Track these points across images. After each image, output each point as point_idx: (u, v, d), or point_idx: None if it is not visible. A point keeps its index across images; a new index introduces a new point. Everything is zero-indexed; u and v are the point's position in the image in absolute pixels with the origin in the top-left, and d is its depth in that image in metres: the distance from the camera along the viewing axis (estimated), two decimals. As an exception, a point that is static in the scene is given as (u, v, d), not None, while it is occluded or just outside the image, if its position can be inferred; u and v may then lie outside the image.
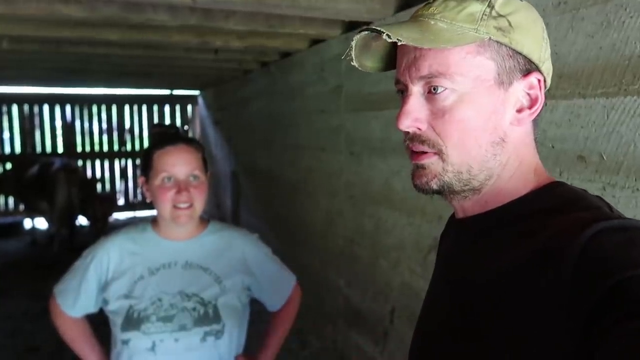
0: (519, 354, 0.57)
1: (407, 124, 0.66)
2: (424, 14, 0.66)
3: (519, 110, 0.66)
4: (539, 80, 0.66)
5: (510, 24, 0.63)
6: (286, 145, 3.98)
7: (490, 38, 0.63)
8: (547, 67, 0.68)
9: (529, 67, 0.65)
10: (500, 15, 0.63)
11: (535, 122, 0.70)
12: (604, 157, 1.30)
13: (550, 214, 0.62)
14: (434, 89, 0.65)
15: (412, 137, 0.68)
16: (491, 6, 0.63)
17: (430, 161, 0.67)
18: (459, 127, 0.65)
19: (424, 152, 0.67)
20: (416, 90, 0.66)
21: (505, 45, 0.63)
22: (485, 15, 0.63)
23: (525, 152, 0.69)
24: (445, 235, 0.87)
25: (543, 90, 0.66)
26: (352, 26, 2.71)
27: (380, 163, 2.52)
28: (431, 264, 2.27)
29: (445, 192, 0.69)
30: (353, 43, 0.68)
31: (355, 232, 2.84)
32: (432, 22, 0.64)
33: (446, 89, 0.64)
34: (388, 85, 2.41)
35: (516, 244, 0.62)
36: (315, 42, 3.20)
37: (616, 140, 1.27)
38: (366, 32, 0.65)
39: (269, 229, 4.48)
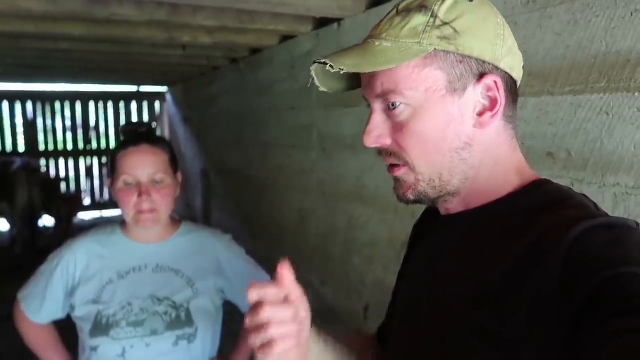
0: (507, 352, 0.57)
1: (370, 141, 0.69)
2: (373, 34, 0.68)
3: (481, 114, 0.66)
4: (495, 82, 0.65)
5: (455, 30, 0.63)
6: (257, 142, 3.95)
7: (435, 49, 0.63)
8: (508, 62, 0.66)
9: (483, 70, 0.65)
10: (444, 24, 0.63)
11: (509, 119, 0.69)
12: (572, 154, 1.33)
13: (536, 212, 0.62)
14: (392, 105, 0.66)
15: (380, 152, 0.71)
16: (434, 16, 0.63)
17: (403, 172, 0.69)
18: (417, 139, 0.66)
19: (396, 165, 0.69)
20: (377, 107, 0.69)
21: (453, 53, 0.63)
22: (429, 26, 0.63)
23: (500, 152, 0.69)
24: (424, 229, 0.86)
25: (502, 90, 0.66)
26: (323, 22, 2.69)
27: (353, 160, 2.51)
28: (404, 261, 2.26)
29: (423, 200, 0.70)
30: (312, 73, 0.70)
31: (328, 229, 2.84)
32: (377, 43, 0.65)
33: (401, 103, 0.65)
34: (359, 82, 2.41)
35: (502, 243, 0.62)
36: (286, 38, 3.18)
37: (583, 137, 1.30)
38: (316, 64, 0.67)
39: (241, 227, 4.44)
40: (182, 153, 6.82)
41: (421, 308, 0.75)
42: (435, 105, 0.65)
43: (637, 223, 0.58)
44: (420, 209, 0.90)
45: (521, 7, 1.46)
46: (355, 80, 0.74)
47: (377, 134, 0.68)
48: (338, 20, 2.53)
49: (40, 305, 1.35)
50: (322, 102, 2.80)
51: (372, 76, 0.67)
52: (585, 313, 0.50)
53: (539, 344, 0.54)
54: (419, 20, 0.64)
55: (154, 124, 1.43)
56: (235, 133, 4.51)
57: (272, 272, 1.59)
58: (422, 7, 0.64)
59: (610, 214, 0.62)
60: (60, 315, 1.37)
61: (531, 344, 0.54)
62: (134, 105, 8.18)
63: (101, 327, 1.26)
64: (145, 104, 8.25)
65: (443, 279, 0.71)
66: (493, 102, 0.66)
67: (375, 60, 0.63)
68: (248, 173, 4.22)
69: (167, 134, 7.93)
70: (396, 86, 0.65)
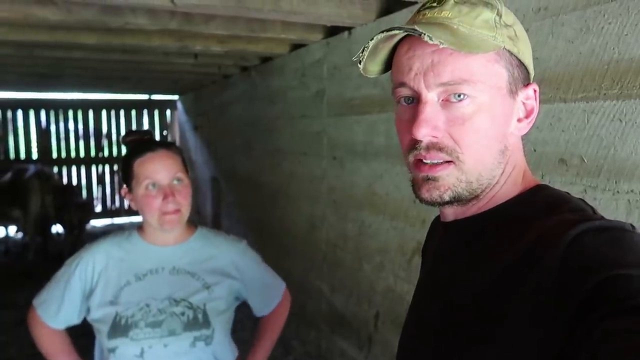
0: (507, 353, 0.57)
1: (425, 132, 0.63)
2: (437, 17, 0.63)
3: (519, 120, 0.68)
4: (534, 91, 0.68)
5: (516, 35, 0.65)
6: (267, 150, 3.97)
7: (504, 47, 0.63)
8: (533, 75, 0.70)
9: (527, 78, 0.68)
10: (507, 25, 0.64)
11: None
12: (585, 160, 1.32)
13: (535, 216, 0.63)
14: (456, 96, 0.63)
15: (427, 146, 0.64)
16: (499, 15, 0.64)
17: (446, 173, 0.65)
18: (477, 135, 0.64)
19: (439, 164, 0.65)
20: (431, 97, 0.64)
21: (515, 55, 0.65)
22: (497, 23, 0.63)
23: (517, 157, 0.70)
24: (432, 236, 0.87)
25: (538, 100, 0.68)
26: (333, 31, 2.71)
27: (363, 167, 2.52)
28: (415, 268, 2.28)
29: (454, 202, 0.67)
30: (371, 43, 0.65)
31: (338, 236, 2.84)
32: (455, 27, 0.62)
33: (468, 96, 0.62)
34: (369, 90, 2.42)
35: (503, 247, 0.63)
36: (296, 46, 3.20)
37: (596, 143, 1.29)
38: (397, 31, 0.62)
39: (251, 234, 4.45)
40: (192, 160, 6.86)
41: (426, 314, 0.75)
42: (499, 103, 0.65)
43: (632, 226, 0.58)
44: (431, 216, 0.91)
45: (532, 14, 1.46)
46: (386, 66, 0.71)
47: (433, 124, 0.63)
48: (348, 29, 2.54)
49: (57, 310, 1.36)
50: (333, 110, 2.81)
51: (438, 62, 0.62)
52: (581, 315, 0.50)
53: (537, 345, 0.54)
54: (487, 14, 0.63)
55: (165, 132, 1.45)
56: (246, 141, 4.53)
57: (284, 280, 1.61)
58: (486, 3, 0.64)
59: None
60: (75, 320, 1.38)
61: (530, 345, 0.55)
62: (145, 114, 8.26)
63: (120, 328, 1.28)
64: (156, 112, 8.32)
65: (447, 284, 0.71)
66: (529, 111, 0.68)
67: (467, 42, 0.60)
68: (259, 180, 4.23)
69: (177, 142, 7.99)
70: (470, 76, 0.62)
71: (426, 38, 0.58)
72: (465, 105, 0.63)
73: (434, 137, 0.64)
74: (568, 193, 0.68)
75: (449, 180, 0.65)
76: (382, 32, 0.63)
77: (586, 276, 0.51)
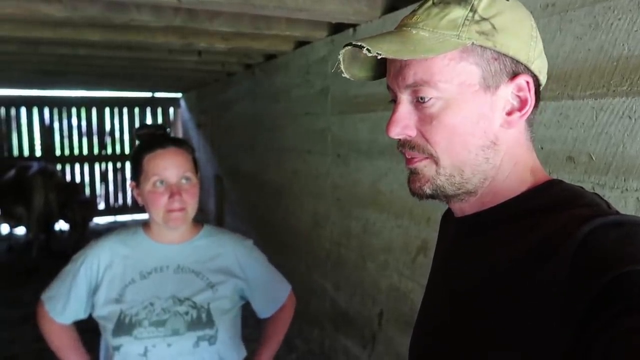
0: (517, 348, 0.57)
1: (396, 131, 0.68)
2: (407, 23, 0.67)
3: (509, 113, 0.66)
4: (527, 82, 0.66)
5: (494, 27, 0.63)
6: (271, 147, 3.96)
7: (473, 43, 0.63)
8: (538, 65, 0.67)
9: (516, 69, 0.65)
10: (483, 19, 0.63)
11: (529, 121, 0.70)
12: (593, 158, 1.31)
13: (548, 211, 0.62)
14: (421, 98, 0.65)
15: (402, 144, 0.69)
16: (474, 10, 0.63)
17: (423, 164, 0.68)
18: (446, 133, 0.65)
19: (417, 156, 0.68)
20: (404, 98, 0.67)
21: (490, 49, 0.63)
22: (468, 20, 0.63)
23: (520, 153, 0.69)
24: (443, 232, 0.87)
25: (532, 91, 0.66)
26: (338, 28, 2.70)
27: (368, 165, 2.51)
28: (420, 266, 2.27)
29: (439, 196, 0.70)
30: (340, 57, 0.69)
31: (342, 234, 2.83)
32: (414, 32, 0.64)
33: (431, 97, 0.65)
34: (374, 87, 2.41)
35: (514, 241, 0.62)
36: (301, 44, 3.19)
37: (605, 141, 1.28)
38: (349, 47, 0.66)
39: (254, 232, 4.44)
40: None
41: (433, 307, 0.76)
42: (468, 100, 0.64)
43: None
44: (436, 214, 0.90)
45: (540, 10, 1.45)
46: (379, 70, 0.74)
47: (403, 124, 0.67)
48: (353, 26, 2.53)
49: (64, 306, 1.36)
50: (337, 108, 2.80)
51: (404, 65, 0.66)
52: (594, 311, 0.50)
53: (546, 339, 0.54)
54: (458, 12, 0.63)
55: (168, 130, 1.44)
56: (250, 138, 4.53)
57: (283, 276, 1.60)
58: (461, 0, 0.64)
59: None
60: (82, 315, 1.38)
61: (538, 338, 0.54)
62: (148, 111, 8.27)
63: (124, 327, 1.27)
64: (159, 110, 8.34)
65: (457, 279, 0.71)
66: (523, 103, 0.67)
67: (415, 48, 0.62)
68: (262, 178, 4.23)
69: (180, 140, 8.00)
70: (430, 77, 0.64)
71: (365, 51, 0.62)
72: (430, 106, 0.65)
73: (408, 135, 0.68)
74: (582, 188, 0.67)
75: (427, 173, 0.68)
76: (343, 47, 0.67)
77: (600, 271, 0.51)
